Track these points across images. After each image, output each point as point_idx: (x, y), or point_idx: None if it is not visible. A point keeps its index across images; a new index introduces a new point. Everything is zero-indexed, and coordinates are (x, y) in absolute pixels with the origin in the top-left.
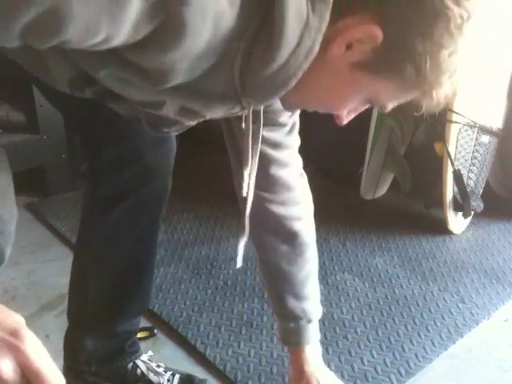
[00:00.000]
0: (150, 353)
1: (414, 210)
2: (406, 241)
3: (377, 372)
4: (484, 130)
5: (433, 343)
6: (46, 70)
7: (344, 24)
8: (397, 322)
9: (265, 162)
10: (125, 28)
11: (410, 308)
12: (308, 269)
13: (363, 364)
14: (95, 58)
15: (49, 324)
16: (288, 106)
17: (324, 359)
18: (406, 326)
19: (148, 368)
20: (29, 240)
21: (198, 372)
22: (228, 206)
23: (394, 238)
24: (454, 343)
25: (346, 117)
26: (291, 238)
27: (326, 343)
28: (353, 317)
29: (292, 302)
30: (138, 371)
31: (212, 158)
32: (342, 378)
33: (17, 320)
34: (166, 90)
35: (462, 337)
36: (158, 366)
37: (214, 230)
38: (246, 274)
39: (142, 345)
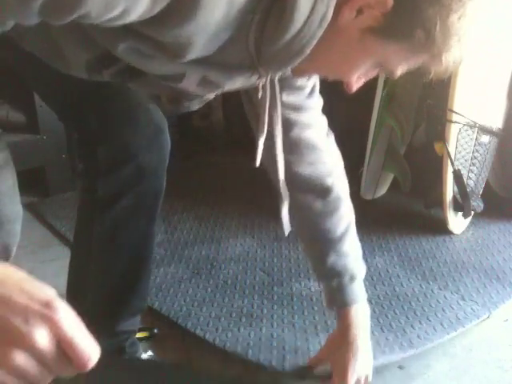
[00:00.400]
0: (150, 353)
1: (413, 210)
2: (406, 241)
3: (379, 345)
4: (484, 129)
5: (434, 329)
6: (60, 56)
7: None
8: (397, 313)
9: (287, 125)
10: (143, 1)
11: (410, 303)
12: (345, 225)
13: None
14: (113, 32)
15: None
16: (298, 74)
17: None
18: (406, 316)
19: None
20: (29, 240)
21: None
22: (228, 206)
23: (393, 238)
24: (456, 331)
25: (356, 83)
26: (324, 193)
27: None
28: None
29: (332, 259)
30: None
31: (212, 157)
32: None
33: (49, 292)
34: (185, 63)
35: (463, 326)
36: None
37: (214, 230)
38: (246, 274)
39: (142, 345)
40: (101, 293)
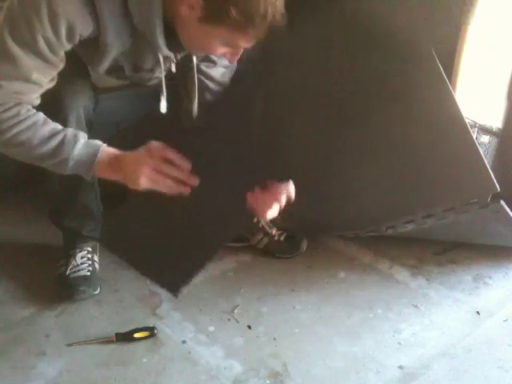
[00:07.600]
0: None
1: None
2: None
3: None
4: (484, 129)
5: None
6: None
7: None
8: None
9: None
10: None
11: None
12: None
13: None
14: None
15: (49, 324)
16: (191, 52)
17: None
18: None
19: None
20: (29, 238)
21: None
22: None
23: None
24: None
25: (232, 57)
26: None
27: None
28: None
29: None
30: (260, 225)
31: None
32: None
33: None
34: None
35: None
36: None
37: None
38: None
39: (142, 345)
40: None
